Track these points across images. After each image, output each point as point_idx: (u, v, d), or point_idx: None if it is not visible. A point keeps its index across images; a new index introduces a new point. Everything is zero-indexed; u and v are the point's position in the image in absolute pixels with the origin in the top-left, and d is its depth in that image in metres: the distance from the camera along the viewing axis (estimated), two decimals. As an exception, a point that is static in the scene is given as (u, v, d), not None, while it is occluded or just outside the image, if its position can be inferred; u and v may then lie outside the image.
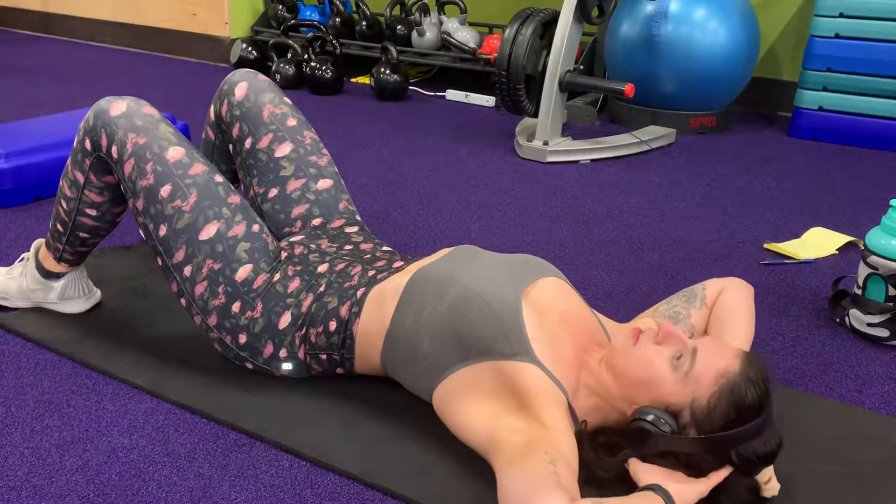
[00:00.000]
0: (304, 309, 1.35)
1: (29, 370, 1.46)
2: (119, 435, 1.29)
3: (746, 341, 1.31)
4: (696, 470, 1.10)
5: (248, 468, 1.22)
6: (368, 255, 1.45)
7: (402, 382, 1.34)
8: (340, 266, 1.40)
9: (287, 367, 1.39)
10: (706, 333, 1.35)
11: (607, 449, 1.16)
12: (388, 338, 1.30)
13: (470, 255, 1.34)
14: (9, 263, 1.84)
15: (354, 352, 1.34)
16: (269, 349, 1.38)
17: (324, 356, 1.36)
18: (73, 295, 1.62)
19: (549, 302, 1.25)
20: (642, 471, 1.11)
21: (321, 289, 1.36)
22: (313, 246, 1.46)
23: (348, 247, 1.48)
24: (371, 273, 1.37)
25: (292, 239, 1.49)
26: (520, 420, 1.14)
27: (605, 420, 1.19)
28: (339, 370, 1.38)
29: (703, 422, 1.10)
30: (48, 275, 1.59)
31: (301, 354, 1.38)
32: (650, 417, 1.11)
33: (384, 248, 1.51)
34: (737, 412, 1.08)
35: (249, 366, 1.41)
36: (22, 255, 1.67)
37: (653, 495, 1.07)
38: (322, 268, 1.40)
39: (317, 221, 1.54)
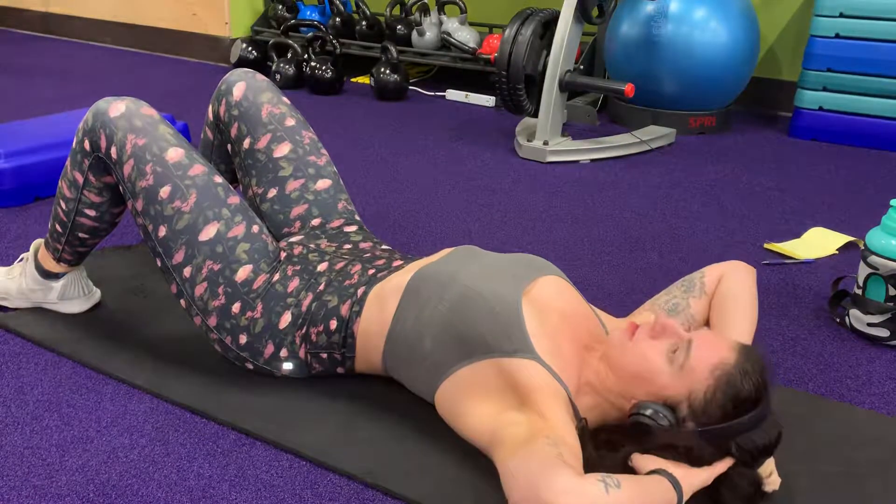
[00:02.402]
0: (304, 308, 1.35)
1: (29, 370, 1.46)
2: (119, 435, 1.29)
3: (749, 329, 1.31)
4: (697, 461, 1.10)
5: (248, 468, 1.22)
6: (368, 254, 1.45)
7: (404, 382, 1.34)
8: (340, 265, 1.40)
9: (288, 366, 1.39)
10: (707, 323, 1.35)
11: (609, 446, 1.16)
12: (390, 337, 1.30)
13: (471, 255, 1.34)
14: (9, 263, 1.84)
15: (355, 351, 1.34)
16: (269, 349, 1.38)
17: (324, 355, 1.36)
18: (72, 295, 1.62)
19: (549, 300, 1.25)
20: (645, 463, 1.11)
21: (321, 287, 1.36)
22: (312, 245, 1.46)
23: (347, 246, 1.48)
24: (371, 272, 1.37)
25: (291, 239, 1.49)
26: (521, 415, 1.14)
27: (605, 418, 1.19)
28: (339, 369, 1.38)
29: (701, 414, 1.10)
30: (47, 275, 1.59)
31: (302, 354, 1.38)
32: (648, 412, 1.11)
33: (383, 246, 1.51)
34: (734, 404, 1.09)
35: (250, 366, 1.41)
36: (21, 256, 1.66)
37: (659, 477, 1.07)
38: (321, 266, 1.40)
39: (316, 221, 1.54)
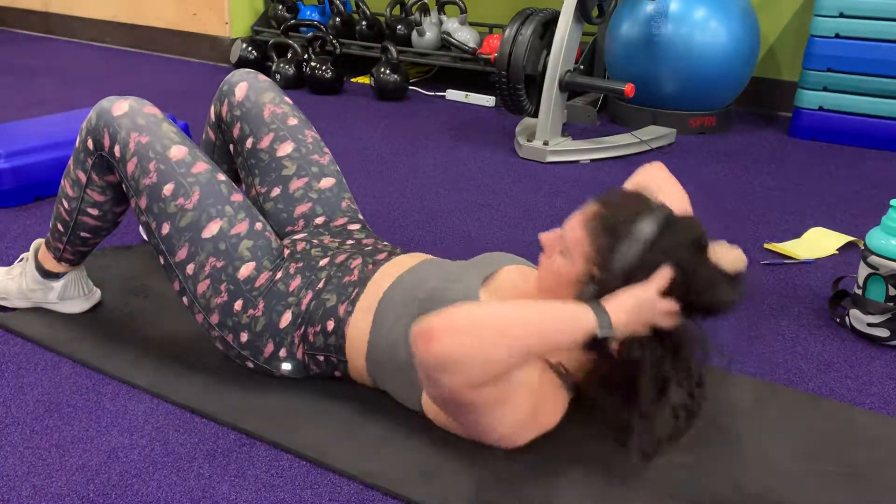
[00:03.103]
0: (303, 307, 1.35)
1: (29, 370, 1.46)
2: (119, 435, 1.29)
3: (679, 195, 1.36)
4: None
5: (248, 468, 1.22)
6: (370, 248, 1.45)
7: (391, 393, 1.33)
8: (341, 258, 1.40)
9: (286, 367, 1.39)
10: None
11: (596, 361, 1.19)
12: (371, 347, 1.30)
13: (439, 263, 1.37)
14: (9, 263, 1.84)
15: (345, 354, 1.34)
16: (269, 348, 1.38)
17: (321, 357, 1.36)
18: (72, 295, 1.62)
19: (506, 283, 1.29)
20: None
21: (320, 285, 1.36)
22: (315, 241, 1.46)
23: (350, 241, 1.48)
24: (371, 267, 1.37)
25: (295, 237, 1.49)
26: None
27: (576, 353, 1.21)
28: (336, 373, 1.38)
29: (605, 262, 1.14)
30: (48, 275, 1.59)
31: (300, 354, 1.38)
32: (583, 297, 1.14)
33: (384, 243, 1.51)
34: (612, 234, 1.14)
35: (250, 365, 1.41)
36: (21, 256, 1.66)
37: (577, 302, 1.12)
38: (323, 261, 1.40)
39: (319, 220, 1.54)
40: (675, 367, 1.16)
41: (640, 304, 1.11)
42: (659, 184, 1.35)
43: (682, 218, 1.17)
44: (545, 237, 1.23)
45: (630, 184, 1.39)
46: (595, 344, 1.10)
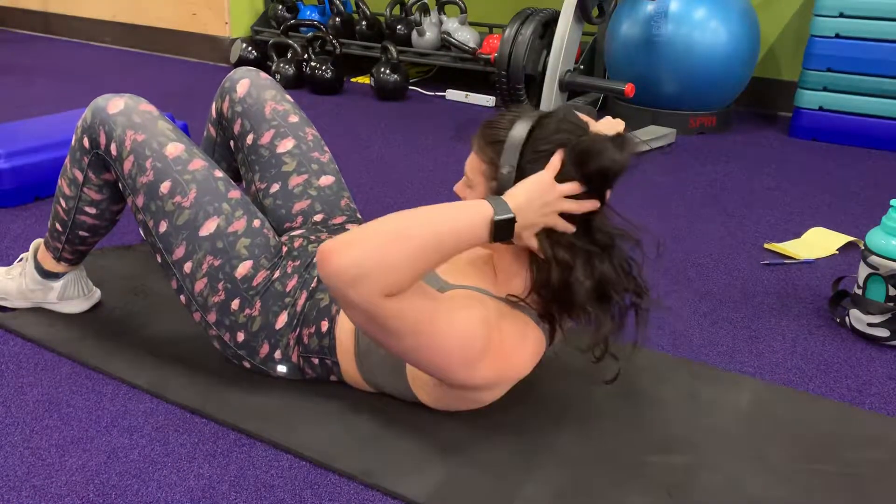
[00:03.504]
0: (298, 308, 1.35)
1: (29, 370, 1.46)
2: (119, 435, 1.29)
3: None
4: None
5: (248, 468, 1.22)
6: None
7: (384, 389, 1.33)
8: None
9: (282, 369, 1.39)
10: None
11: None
12: (357, 343, 1.30)
13: None
14: (9, 263, 1.84)
15: (337, 355, 1.33)
16: (265, 349, 1.37)
17: (315, 360, 1.36)
18: (72, 295, 1.62)
19: (461, 256, 1.31)
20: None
21: (314, 284, 1.36)
22: (313, 237, 1.46)
23: None
24: None
25: (293, 234, 1.49)
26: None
27: (521, 279, 1.25)
28: (332, 377, 1.37)
29: (497, 171, 1.19)
30: (47, 275, 1.59)
31: (294, 357, 1.37)
32: (497, 206, 1.14)
33: None
34: (496, 142, 1.21)
35: (247, 364, 1.41)
36: (21, 256, 1.66)
37: (477, 200, 1.16)
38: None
39: (318, 217, 1.54)
40: (609, 264, 1.21)
41: (534, 186, 1.15)
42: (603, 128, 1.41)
43: (555, 111, 1.23)
44: (455, 187, 1.29)
45: None
46: (500, 231, 1.13)
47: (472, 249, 1.27)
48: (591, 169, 1.16)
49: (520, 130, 1.19)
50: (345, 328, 1.31)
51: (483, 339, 1.16)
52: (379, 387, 1.33)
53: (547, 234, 1.18)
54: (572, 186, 1.17)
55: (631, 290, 1.25)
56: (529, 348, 1.24)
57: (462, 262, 1.31)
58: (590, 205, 1.18)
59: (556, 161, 1.17)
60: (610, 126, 1.23)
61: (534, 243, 1.18)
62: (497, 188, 1.19)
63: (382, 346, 1.17)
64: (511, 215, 1.13)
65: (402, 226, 1.09)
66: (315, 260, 1.08)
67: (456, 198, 1.28)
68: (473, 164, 1.25)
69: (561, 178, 1.16)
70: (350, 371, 1.33)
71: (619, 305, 1.24)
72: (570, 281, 1.18)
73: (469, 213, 1.13)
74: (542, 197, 1.15)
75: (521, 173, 1.18)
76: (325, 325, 1.32)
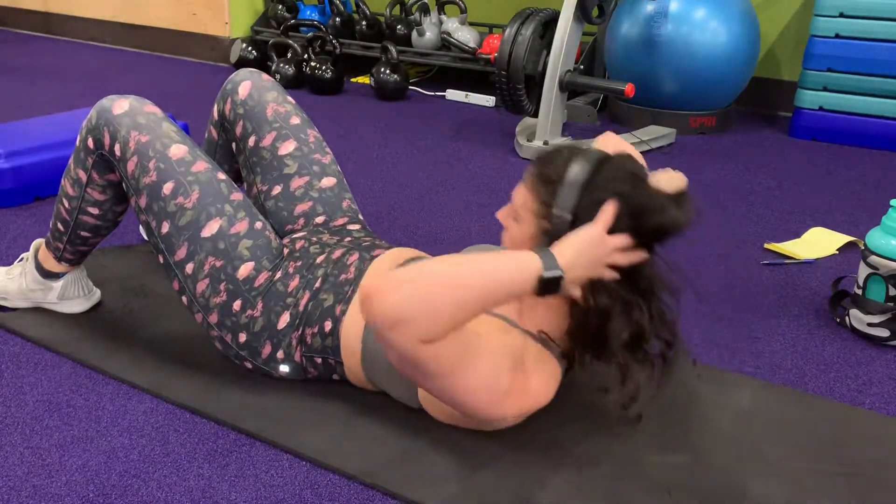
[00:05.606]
0: (301, 308, 1.35)
1: (29, 370, 1.46)
2: (119, 435, 1.29)
3: (627, 150, 1.37)
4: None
5: (248, 468, 1.22)
6: (367, 244, 1.44)
7: (388, 392, 1.33)
8: (338, 253, 1.39)
9: (284, 369, 1.39)
10: None
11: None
12: (364, 346, 1.29)
13: (429, 257, 1.37)
14: (9, 263, 1.84)
15: (341, 356, 1.33)
16: (267, 349, 1.37)
17: (319, 360, 1.36)
18: (72, 295, 1.62)
19: None
20: None
21: (318, 284, 1.35)
22: (314, 239, 1.46)
23: (348, 239, 1.48)
24: (367, 263, 1.36)
25: (294, 235, 1.49)
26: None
27: (552, 315, 1.23)
28: (334, 377, 1.37)
29: (549, 212, 1.16)
30: (48, 275, 1.59)
31: (297, 357, 1.37)
32: (544, 255, 1.12)
33: (383, 242, 1.51)
34: (549, 182, 1.17)
35: (249, 365, 1.41)
36: (21, 256, 1.66)
37: (526, 251, 1.12)
38: (320, 258, 1.39)
39: (320, 219, 1.54)
40: (648, 313, 1.17)
41: (585, 241, 1.12)
42: (609, 147, 1.38)
43: (615, 155, 1.19)
44: (499, 213, 1.26)
45: None
46: (547, 287, 1.10)
47: None
48: (648, 225, 1.14)
49: (578, 174, 1.15)
50: (350, 330, 1.30)
51: (509, 381, 1.16)
52: (383, 389, 1.33)
53: (590, 281, 1.15)
54: (623, 240, 1.14)
55: (663, 339, 1.22)
56: (552, 384, 1.24)
57: None
58: (638, 257, 1.16)
59: (609, 213, 1.13)
60: (670, 180, 1.21)
61: (577, 293, 1.15)
62: (548, 230, 1.17)
63: (411, 380, 1.17)
64: (560, 273, 1.10)
65: (453, 274, 1.07)
66: (359, 297, 1.07)
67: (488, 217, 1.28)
68: (524, 200, 1.21)
69: (612, 229, 1.13)
70: (354, 371, 1.33)
71: (647, 352, 1.20)
72: (607, 330, 1.16)
73: (518, 266, 1.10)
74: (592, 252, 1.12)
75: (575, 219, 1.14)
76: (328, 325, 1.32)
